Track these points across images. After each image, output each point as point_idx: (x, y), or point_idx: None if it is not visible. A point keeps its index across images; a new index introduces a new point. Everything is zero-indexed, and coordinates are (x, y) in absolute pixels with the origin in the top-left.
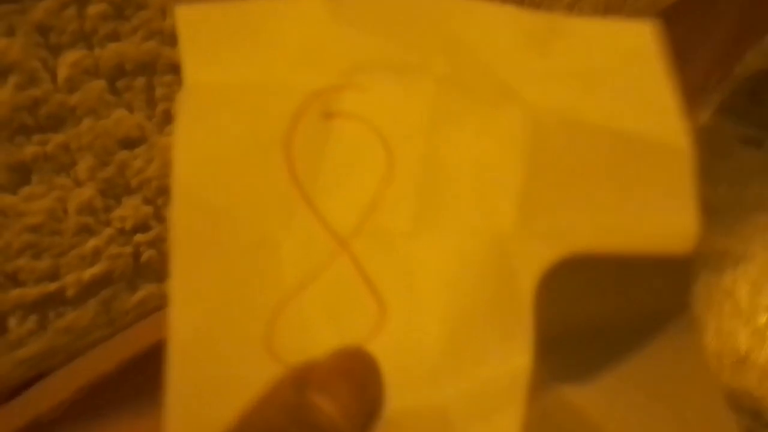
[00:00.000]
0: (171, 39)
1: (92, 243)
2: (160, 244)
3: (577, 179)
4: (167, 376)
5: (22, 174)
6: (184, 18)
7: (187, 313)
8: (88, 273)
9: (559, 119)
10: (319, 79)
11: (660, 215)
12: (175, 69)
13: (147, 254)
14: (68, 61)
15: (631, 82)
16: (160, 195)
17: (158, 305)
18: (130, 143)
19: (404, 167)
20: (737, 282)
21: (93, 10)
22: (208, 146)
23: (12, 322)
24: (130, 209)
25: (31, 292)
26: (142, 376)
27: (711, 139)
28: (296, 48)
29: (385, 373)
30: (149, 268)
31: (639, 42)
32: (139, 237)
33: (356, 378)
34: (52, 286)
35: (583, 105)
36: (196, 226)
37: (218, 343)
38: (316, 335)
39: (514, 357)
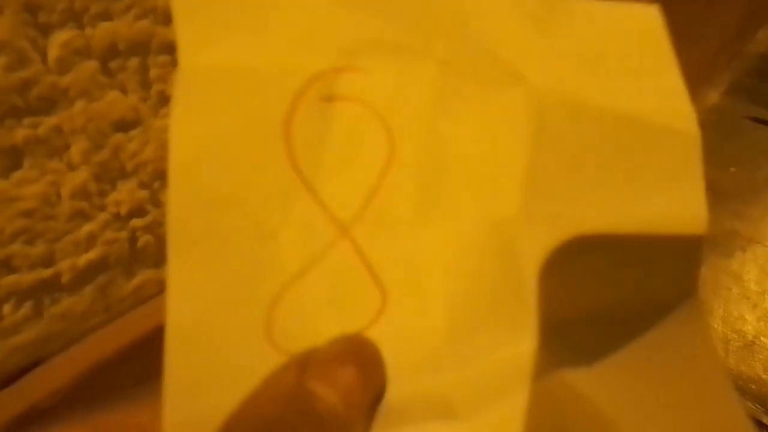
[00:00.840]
0: (165, 18)
1: (87, 228)
2: (156, 229)
3: (581, 162)
4: (165, 366)
5: (13, 158)
6: None
7: (184, 302)
8: (84, 259)
9: (563, 101)
10: (319, 61)
11: (666, 199)
12: (169, 49)
13: (143, 239)
14: (58, 41)
15: (636, 65)
16: (156, 179)
17: (156, 291)
18: (124, 126)
19: (406, 151)
20: (746, 265)
21: None
22: (205, 131)
23: (6, 308)
24: (125, 193)
25: (26, 278)
26: (140, 363)
27: (721, 120)
28: (296, 29)
29: (387, 360)
30: (146, 253)
31: (644, 25)
32: (135, 222)
33: (357, 365)
34: (46, 272)
35: (589, 87)
36: (194, 212)
37: (217, 332)
38: (317, 323)
39: (518, 343)
